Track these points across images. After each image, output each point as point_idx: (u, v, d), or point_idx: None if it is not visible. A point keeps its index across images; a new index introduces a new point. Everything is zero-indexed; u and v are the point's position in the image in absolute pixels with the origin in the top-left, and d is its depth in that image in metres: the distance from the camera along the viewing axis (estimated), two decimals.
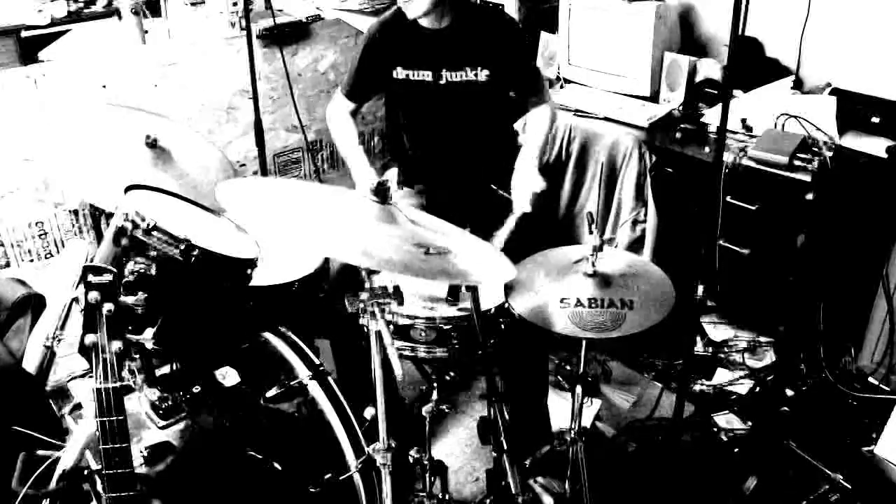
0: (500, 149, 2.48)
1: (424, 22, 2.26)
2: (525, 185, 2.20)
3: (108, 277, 1.22)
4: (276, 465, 1.69)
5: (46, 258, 2.97)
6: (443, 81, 2.30)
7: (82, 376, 2.41)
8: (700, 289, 2.15)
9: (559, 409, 2.53)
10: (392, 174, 2.42)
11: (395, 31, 2.32)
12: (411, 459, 1.95)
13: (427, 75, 2.30)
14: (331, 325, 2.23)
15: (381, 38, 2.34)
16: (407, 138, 2.47)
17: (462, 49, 2.28)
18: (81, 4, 3.85)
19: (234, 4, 3.20)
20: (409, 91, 2.34)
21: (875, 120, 2.48)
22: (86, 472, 1.52)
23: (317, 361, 1.95)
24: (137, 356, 1.60)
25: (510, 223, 2.10)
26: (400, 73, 2.32)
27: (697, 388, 2.75)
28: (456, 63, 2.29)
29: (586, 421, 2.58)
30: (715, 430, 2.53)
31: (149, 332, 1.48)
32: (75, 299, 1.23)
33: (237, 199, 1.53)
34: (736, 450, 2.42)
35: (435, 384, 1.95)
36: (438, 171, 2.44)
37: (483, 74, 2.29)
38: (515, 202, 2.19)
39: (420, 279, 1.78)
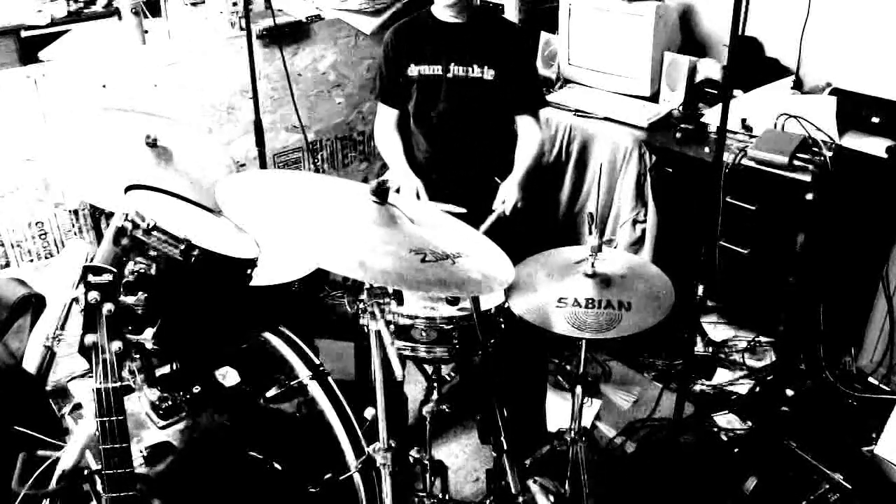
0: (504, 143, 2.52)
1: (443, 14, 2.39)
2: (507, 192, 2.34)
3: (108, 277, 1.22)
4: (277, 465, 1.69)
5: (46, 258, 2.97)
6: (450, 75, 2.39)
7: (82, 376, 2.41)
8: (700, 289, 2.15)
9: (559, 409, 2.54)
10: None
11: (410, 30, 2.46)
12: (411, 459, 1.95)
13: (437, 69, 2.40)
14: (356, 329, 2.25)
15: (396, 39, 2.46)
16: (415, 134, 2.54)
17: (472, 46, 2.38)
18: (81, 4, 3.85)
19: (234, 4, 3.19)
20: (420, 86, 2.43)
21: (875, 120, 2.48)
22: (86, 472, 1.52)
23: (317, 361, 1.95)
24: (137, 356, 1.59)
25: (489, 220, 2.23)
26: (413, 69, 2.43)
27: (697, 388, 2.75)
28: (464, 58, 2.38)
29: (586, 421, 2.58)
30: (715, 430, 2.53)
31: (149, 332, 1.48)
32: (75, 299, 1.23)
33: (236, 200, 1.53)
34: (736, 450, 2.42)
35: (435, 384, 1.96)
36: (443, 166, 2.47)
37: (489, 74, 2.37)
38: (496, 203, 2.33)
39: (417, 291, 1.80)
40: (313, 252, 1.42)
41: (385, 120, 2.57)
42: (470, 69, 2.38)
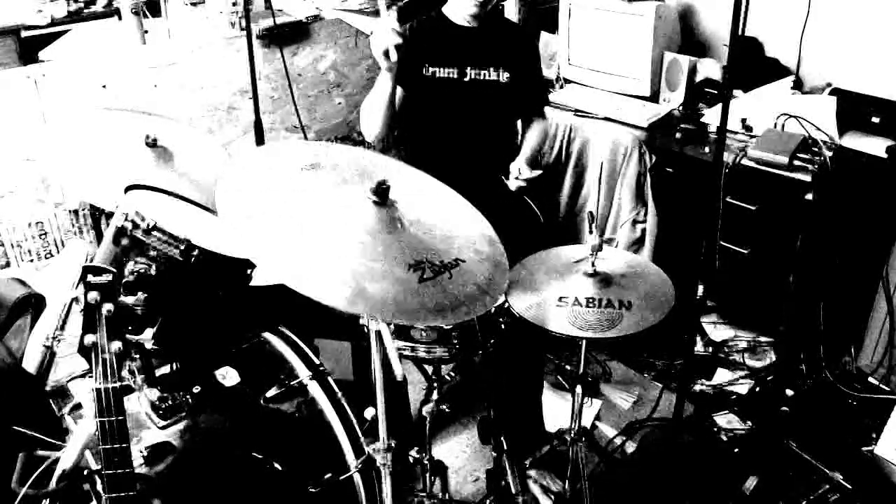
0: (509, 142, 2.56)
1: (460, 20, 2.40)
2: (518, 166, 2.28)
3: (107, 277, 1.22)
4: (277, 465, 1.69)
5: (46, 258, 2.97)
6: (467, 79, 2.41)
7: (82, 376, 2.41)
8: (700, 289, 2.15)
9: (559, 409, 2.54)
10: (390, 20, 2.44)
11: (426, 31, 2.44)
12: (411, 459, 1.95)
13: (453, 72, 2.41)
14: (353, 329, 2.25)
15: (413, 39, 2.42)
16: (424, 135, 2.52)
17: (488, 49, 2.40)
18: (81, 4, 3.85)
19: (234, 4, 3.20)
20: (434, 88, 2.42)
21: (875, 120, 2.48)
22: (86, 472, 1.52)
23: (317, 361, 1.95)
24: (137, 356, 1.59)
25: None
26: (428, 70, 2.42)
27: (697, 388, 2.75)
28: (481, 62, 2.40)
29: (586, 421, 2.58)
30: (715, 430, 2.53)
31: (149, 332, 1.48)
32: (75, 299, 1.23)
33: (235, 206, 1.50)
34: (736, 450, 2.42)
35: (435, 384, 1.95)
36: (451, 164, 2.46)
37: (505, 76, 2.40)
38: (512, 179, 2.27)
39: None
40: (307, 284, 1.35)
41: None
42: (486, 72, 2.41)
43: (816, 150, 2.40)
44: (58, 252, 2.98)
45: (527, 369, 2.32)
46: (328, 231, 1.46)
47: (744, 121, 2.64)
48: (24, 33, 3.66)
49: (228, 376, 1.86)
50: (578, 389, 1.89)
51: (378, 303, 1.34)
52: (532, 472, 2.26)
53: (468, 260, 1.55)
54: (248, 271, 1.70)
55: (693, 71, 2.89)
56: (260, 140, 3.15)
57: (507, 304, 1.77)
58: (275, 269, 1.37)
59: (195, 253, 1.53)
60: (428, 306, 1.39)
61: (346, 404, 1.84)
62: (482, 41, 2.41)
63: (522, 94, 2.47)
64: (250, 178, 1.66)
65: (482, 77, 2.41)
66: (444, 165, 2.46)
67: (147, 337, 1.46)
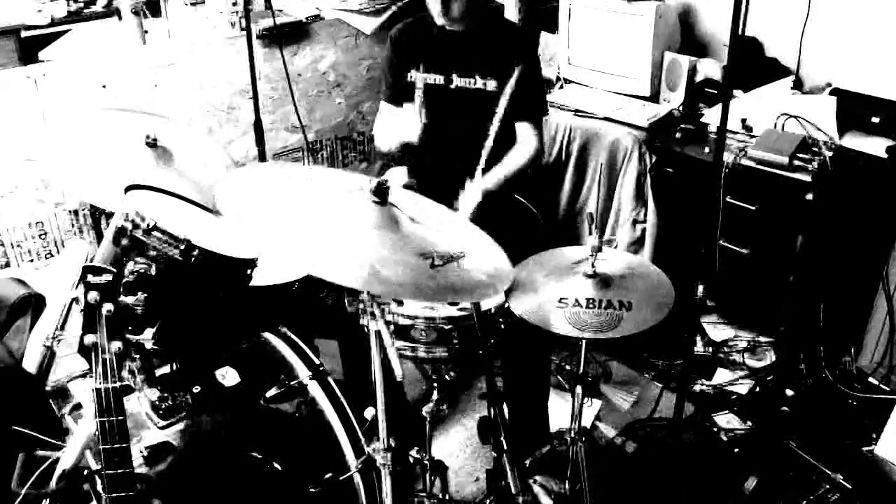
0: (505, 151, 2.49)
1: (446, 23, 2.33)
2: (469, 194, 2.20)
3: (107, 277, 1.22)
4: (277, 465, 1.69)
5: (46, 258, 2.97)
6: (453, 86, 2.37)
7: (82, 376, 2.41)
8: (700, 289, 2.15)
9: (559, 409, 2.53)
10: (400, 172, 2.44)
11: (413, 34, 2.41)
12: (411, 459, 1.95)
13: (439, 79, 2.37)
14: (339, 326, 2.24)
15: (400, 40, 2.43)
16: (421, 141, 2.50)
17: (475, 56, 2.34)
18: (81, 4, 3.85)
19: (234, 4, 3.20)
20: (422, 94, 2.39)
21: (875, 120, 2.48)
22: (86, 472, 1.52)
23: (317, 361, 1.95)
24: (137, 356, 1.60)
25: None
26: (413, 75, 2.39)
27: (697, 388, 2.75)
28: (466, 69, 2.35)
29: (586, 421, 2.58)
30: (715, 430, 2.53)
31: (149, 332, 1.48)
32: (75, 299, 1.23)
33: (236, 205, 1.51)
34: (736, 450, 2.42)
35: (435, 384, 1.95)
36: (443, 171, 2.45)
37: (492, 85, 2.34)
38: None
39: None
40: (322, 267, 1.39)
41: (387, 119, 2.52)
42: (472, 80, 2.35)
43: (816, 150, 2.40)
44: (58, 252, 2.97)
45: (530, 370, 2.31)
46: (334, 226, 1.50)
47: (744, 121, 2.64)
48: (24, 33, 3.66)
49: (228, 376, 1.86)
50: (578, 389, 1.88)
51: (394, 284, 1.39)
52: (538, 477, 2.26)
53: (472, 253, 1.57)
54: (248, 271, 1.70)
55: (693, 71, 2.89)
56: (260, 140, 3.15)
57: (507, 305, 1.77)
58: (291, 258, 1.44)
59: (195, 253, 1.53)
60: (443, 287, 1.44)
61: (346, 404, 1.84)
62: (471, 47, 2.34)
63: (512, 103, 2.32)
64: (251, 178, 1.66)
65: (468, 85, 2.35)
66: (437, 171, 2.47)
67: (147, 337, 1.46)
